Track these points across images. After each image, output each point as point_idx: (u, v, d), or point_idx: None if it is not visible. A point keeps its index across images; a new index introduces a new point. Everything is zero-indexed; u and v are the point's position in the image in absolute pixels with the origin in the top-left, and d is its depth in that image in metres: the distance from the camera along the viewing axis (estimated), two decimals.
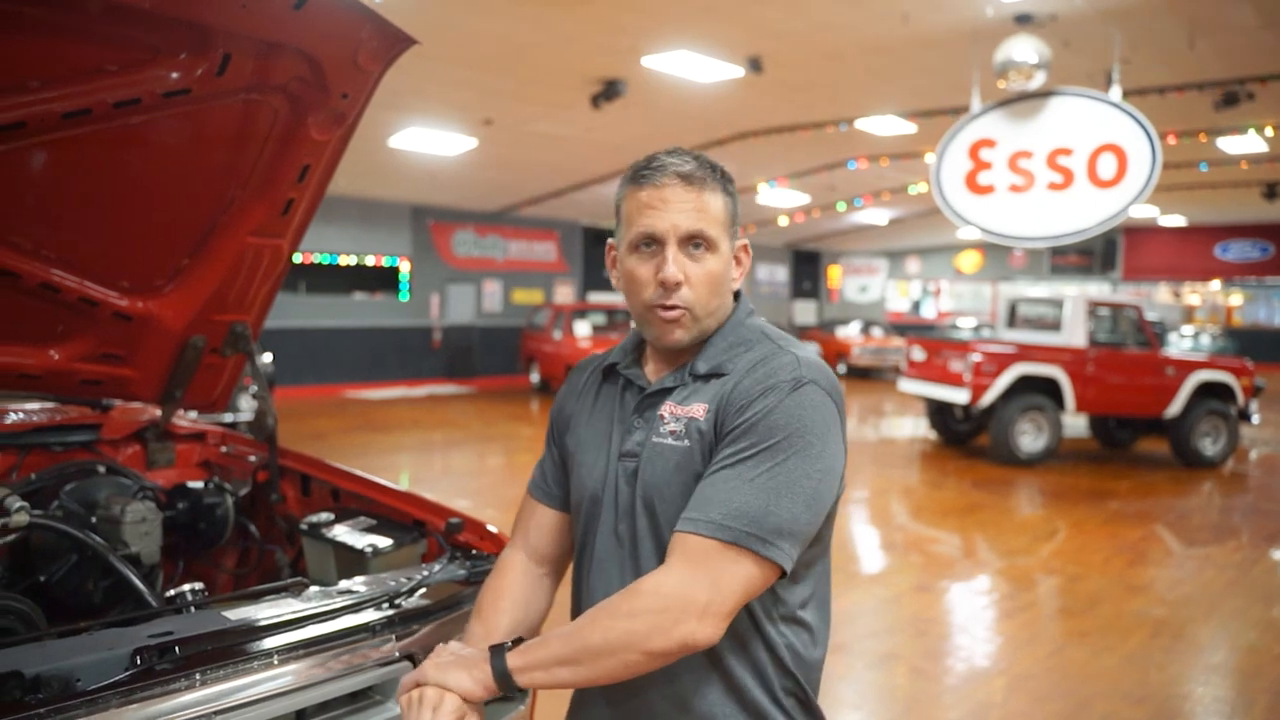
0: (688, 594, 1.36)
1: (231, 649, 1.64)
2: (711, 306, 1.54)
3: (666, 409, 1.54)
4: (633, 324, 1.64)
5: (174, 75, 2.03)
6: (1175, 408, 11.15)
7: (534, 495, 1.75)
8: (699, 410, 1.50)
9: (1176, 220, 24.31)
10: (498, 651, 1.42)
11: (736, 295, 1.63)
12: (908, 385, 12.48)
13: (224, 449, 3.19)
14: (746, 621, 1.47)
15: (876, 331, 24.03)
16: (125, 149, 2.17)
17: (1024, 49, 8.52)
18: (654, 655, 1.36)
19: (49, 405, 3.18)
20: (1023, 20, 8.66)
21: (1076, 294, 12.47)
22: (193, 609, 1.97)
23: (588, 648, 1.37)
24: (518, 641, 1.44)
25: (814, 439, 1.42)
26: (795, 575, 1.49)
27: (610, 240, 1.63)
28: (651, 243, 1.51)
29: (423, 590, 1.96)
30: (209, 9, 1.92)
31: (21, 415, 3.03)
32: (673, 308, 1.51)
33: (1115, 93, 9.34)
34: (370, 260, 18.90)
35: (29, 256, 2.30)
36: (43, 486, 2.72)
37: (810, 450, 1.42)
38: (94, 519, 2.60)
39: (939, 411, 12.57)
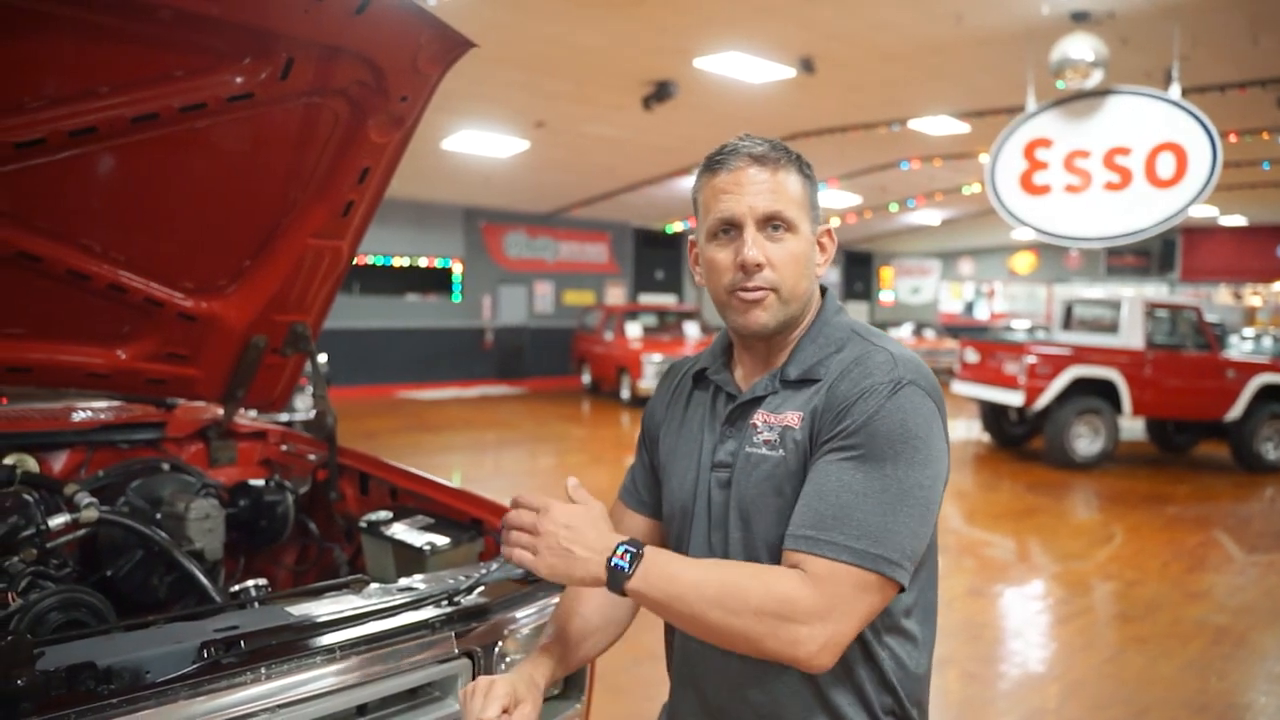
0: (816, 615, 1.30)
1: (294, 644, 1.66)
2: (799, 289, 1.48)
3: (759, 417, 1.49)
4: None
5: (238, 80, 2.07)
6: (1236, 411, 10.92)
7: (624, 501, 1.73)
8: (793, 418, 1.45)
9: (1237, 220, 23.77)
10: (633, 557, 1.35)
11: (824, 291, 1.59)
12: (961, 387, 12.34)
13: (284, 447, 3.24)
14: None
15: (929, 333, 23.80)
16: (191, 152, 2.21)
17: (1081, 47, 8.38)
18: (758, 651, 1.33)
19: (116, 404, 3.26)
20: (1079, 18, 8.51)
21: (1133, 295, 12.27)
22: (256, 604, 2.01)
23: (707, 621, 1.32)
24: (641, 551, 1.37)
25: (920, 444, 1.37)
26: None
27: (691, 237, 1.59)
28: (730, 228, 1.47)
29: (481, 588, 1.98)
30: (273, 15, 1.96)
31: (90, 413, 3.11)
32: (756, 289, 1.45)
33: (1174, 91, 9.16)
34: (423, 262, 19.09)
35: (98, 258, 2.36)
36: (110, 483, 2.78)
37: (918, 456, 1.36)
38: (159, 515, 2.66)
39: (993, 414, 12.41)
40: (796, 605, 1.31)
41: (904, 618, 1.48)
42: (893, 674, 1.47)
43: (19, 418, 2.96)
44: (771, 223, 1.46)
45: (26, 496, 2.17)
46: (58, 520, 2.19)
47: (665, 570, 1.35)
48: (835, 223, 21.62)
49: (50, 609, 1.95)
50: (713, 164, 1.50)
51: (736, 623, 1.32)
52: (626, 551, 1.36)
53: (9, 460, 2.58)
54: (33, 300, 2.40)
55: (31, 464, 2.64)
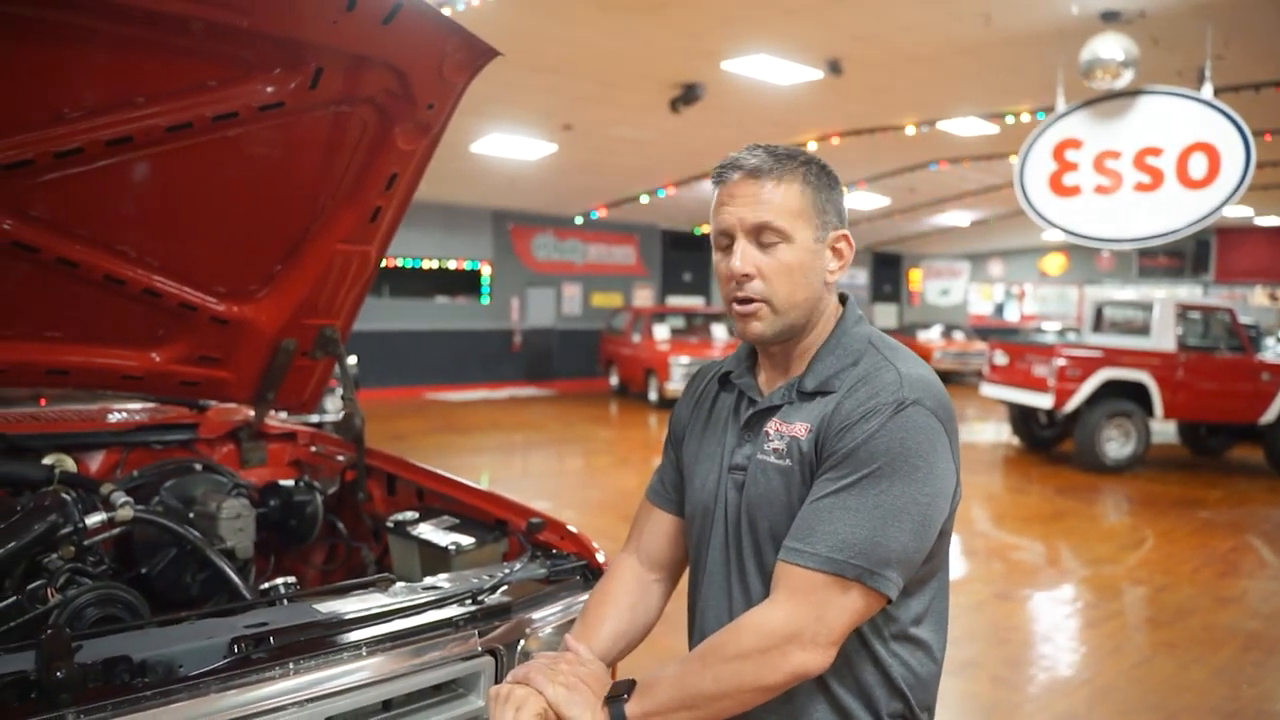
0: (792, 629, 1.36)
1: (322, 640, 1.70)
2: (795, 299, 1.50)
3: (772, 426, 1.52)
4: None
5: (269, 89, 2.12)
6: (1271, 414, 10.79)
7: (650, 500, 1.76)
8: (801, 429, 1.48)
9: (1273, 221, 23.47)
10: (615, 701, 1.42)
11: (845, 299, 1.61)
12: (990, 390, 12.28)
13: (313, 449, 3.29)
14: (855, 641, 1.46)
15: (958, 335, 23.65)
16: (223, 160, 2.26)
17: (1111, 47, 8.32)
18: (767, 690, 1.38)
19: (150, 405, 3.32)
20: (1109, 18, 8.45)
21: (1165, 297, 12.15)
22: (285, 601, 2.05)
23: (702, 693, 1.38)
24: (630, 685, 1.44)
25: (919, 462, 1.40)
26: (908, 591, 1.47)
27: None
28: (727, 239, 1.51)
29: (504, 588, 2.01)
30: (302, 26, 2.00)
31: (125, 415, 3.17)
32: (748, 300, 1.49)
33: (1207, 90, 9.06)
34: (452, 264, 19.20)
35: (133, 264, 2.41)
36: (144, 483, 2.84)
37: (916, 474, 1.39)
38: (191, 514, 2.70)
39: (1022, 417, 12.34)
40: (766, 624, 1.38)
41: (913, 625, 1.51)
42: (902, 680, 1.50)
43: (57, 419, 3.02)
44: (762, 233, 1.48)
45: (65, 495, 2.23)
46: (95, 519, 2.25)
47: (650, 692, 1.42)
48: (867, 227, 21.61)
49: (87, 604, 2.00)
50: (716, 177, 1.54)
51: (727, 674, 1.38)
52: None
53: (48, 460, 2.64)
54: (71, 305, 2.46)
55: (69, 464, 2.70)
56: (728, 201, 1.50)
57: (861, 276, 28.98)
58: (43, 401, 3.43)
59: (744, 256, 1.48)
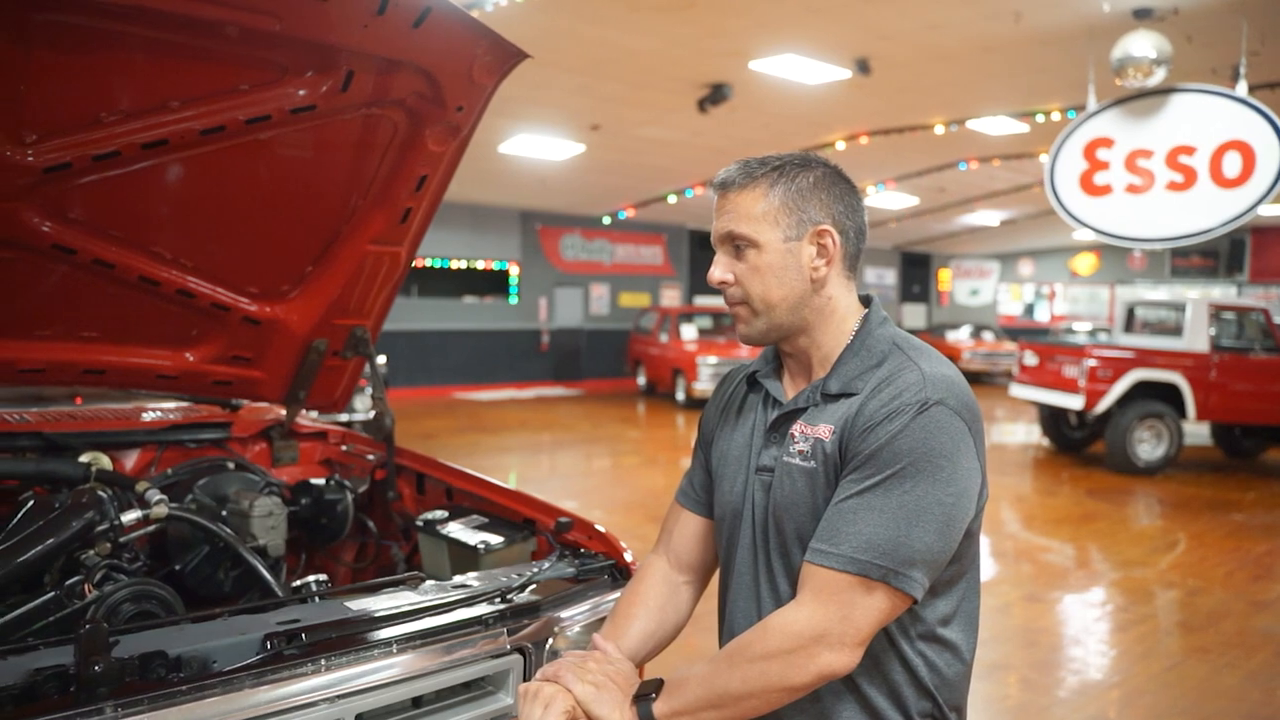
0: (818, 629, 1.37)
1: (353, 637, 1.72)
2: (772, 298, 1.54)
3: (798, 428, 1.53)
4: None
5: (301, 92, 2.14)
6: None
7: (680, 501, 1.78)
8: (825, 431, 1.49)
9: None
10: (643, 700, 1.44)
11: (869, 301, 1.62)
12: (1020, 391, 12.20)
13: (344, 448, 3.32)
14: (882, 641, 1.46)
15: (987, 336, 23.50)
16: (255, 163, 2.29)
17: (1143, 45, 8.25)
18: (794, 690, 1.39)
19: (183, 404, 3.37)
20: (1142, 15, 8.37)
21: (1199, 297, 12.01)
22: (317, 599, 2.08)
23: (729, 693, 1.40)
24: (658, 685, 1.46)
25: (943, 462, 1.40)
26: (935, 592, 1.48)
27: None
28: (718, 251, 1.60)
29: (533, 586, 2.03)
30: (334, 30, 2.03)
31: (159, 413, 3.21)
32: (731, 304, 1.59)
33: (1242, 88, 8.96)
34: (480, 264, 19.29)
35: (168, 265, 2.45)
36: (178, 481, 2.88)
37: (940, 475, 1.40)
38: (224, 512, 2.75)
39: (1052, 418, 12.25)
40: (793, 625, 1.40)
41: (941, 626, 1.51)
42: (930, 680, 1.51)
43: (93, 417, 3.06)
44: (733, 242, 1.56)
45: (101, 493, 2.27)
46: (130, 516, 2.28)
47: (677, 691, 1.44)
48: (893, 225, 21.50)
49: (123, 600, 2.04)
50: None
51: (753, 674, 1.39)
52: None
53: (84, 458, 2.68)
54: (107, 305, 2.50)
55: (105, 462, 2.74)
56: (714, 216, 1.60)
57: (890, 276, 28.85)
58: (78, 400, 3.48)
59: (719, 265, 1.59)
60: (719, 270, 1.58)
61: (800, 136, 12.76)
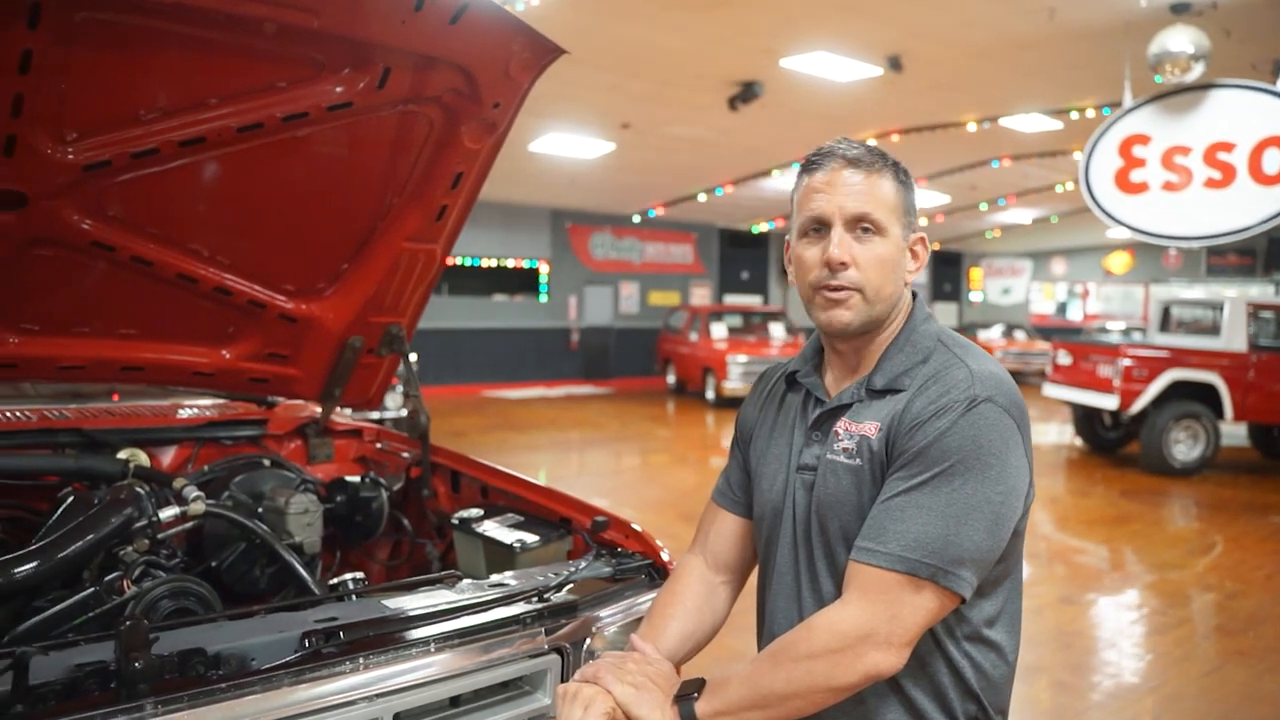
0: (865, 629, 1.35)
1: (391, 635, 1.72)
2: (884, 292, 1.50)
3: (842, 425, 1.51)
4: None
5: (338, 89, 2.14)
6: None
7: (717, 501, 1.76)
8: (871, 429, 1.47)
9: None
10: (685, 700, 1.43)
11: (914, 297, 1.61)
12: (1053, 390, 12.09)
13: (379, 445, 3.33)
14: (928, 642, 1.45)
15: (1020, 335, 23.30)
16: (292, 160, 2.29)
17: (1180, 40, 8.12)
18: (840, 691, 1.37)
19: (220, 401, 3.38)
20: (1179, 10, 8.25)
21: (1236, 295, 11.84)
22: (354, 597, 2.07)
23: (774, 692, 1.38)
24: (699, 684, 1.44)
25: (992, 460, 1.38)
26: (981, 592, 1.46)
27: (787, 237, 1.62)
28: (820, 226, 1.51)
29: (570, 586, 2.01)
30: (371, 27, 2.02)
31: (196, 410, 3.23)
32: (840, 288, 1.48)
33: None
34: (510, 263, 19.35)
35: (205, 262, 2.46)
36: (215, 478, 2.90)
37: (989, 473, 1.38)
38: (260, 509, 2.75)
39: (1086, 418, 12.13)
40: (840, 624, 1.37)
41: (986, 627, 1.49)
42: (975, 682, 1.48)
43: (131, 414, 3.08)
44: (860, 224, 1.48)
45: (139, 490, 2.28)
46: (168, 513, 2.30)
47: (720, 691, 1.42)
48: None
49: (162, 596, 2.04)
50: (809, 165, 1.54)
51: (799, 673, 1.37)
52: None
53: (123, 454, 2.70)
54: (145, 303, 2.51)
55: (143, 458, 2.76)
56: (824, 189, 1.50)
57: (921, 275, 28.60)
58: (115, 397, 3.51)
59: (842, 244, 1.48)
60: (840, 249, 1.47)
61: (831, 134, 12.48)
